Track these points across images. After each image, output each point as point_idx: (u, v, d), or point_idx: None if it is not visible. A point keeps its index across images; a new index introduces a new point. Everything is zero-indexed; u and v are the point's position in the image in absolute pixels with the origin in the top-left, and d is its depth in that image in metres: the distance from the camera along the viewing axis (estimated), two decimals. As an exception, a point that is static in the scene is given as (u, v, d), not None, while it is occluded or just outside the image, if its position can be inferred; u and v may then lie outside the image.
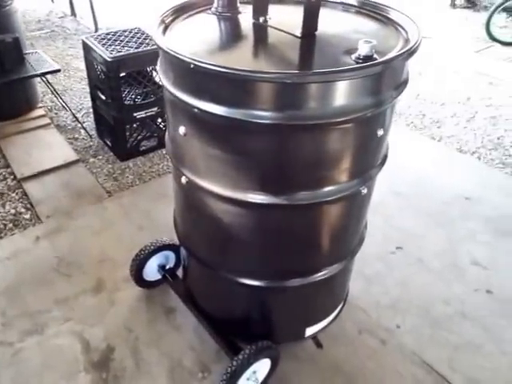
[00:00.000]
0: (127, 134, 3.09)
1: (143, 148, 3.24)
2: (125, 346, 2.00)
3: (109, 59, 2.76)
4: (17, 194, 2.85)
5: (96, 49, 2.88)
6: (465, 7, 6.59)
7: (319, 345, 1.99)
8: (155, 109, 3.06)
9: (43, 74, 3.17)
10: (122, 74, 2.93)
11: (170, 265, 2.19)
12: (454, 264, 2.43)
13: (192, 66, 1.18)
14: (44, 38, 5.23)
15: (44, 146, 3.26)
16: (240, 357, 1.63)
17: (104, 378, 1.88)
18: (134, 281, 2.15)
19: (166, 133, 1.61)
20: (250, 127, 1.25)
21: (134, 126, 3.13)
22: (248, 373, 1.68)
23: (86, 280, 2.29)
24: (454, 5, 6.58)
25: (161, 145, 3.23)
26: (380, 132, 1.38)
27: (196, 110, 1.28)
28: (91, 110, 3.45)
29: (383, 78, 1.26)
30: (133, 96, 3.10)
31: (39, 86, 3.79)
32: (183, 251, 1.89)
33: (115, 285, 2.26)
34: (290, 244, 1.55)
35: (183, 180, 1.53)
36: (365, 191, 1.51)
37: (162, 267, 2.15)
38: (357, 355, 1.97)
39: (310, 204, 1.41)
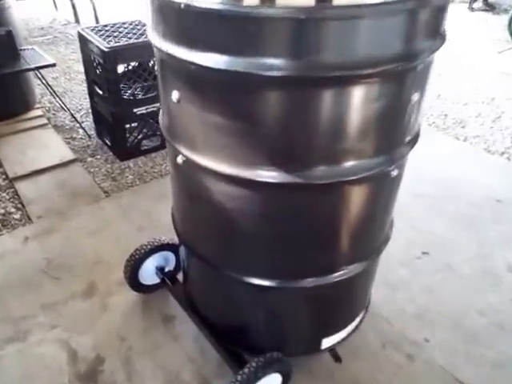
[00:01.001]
0: (127, 132, 2.96)
1: (145, 148, 3.10)
2: (116, 356, 1.83)
3: (105, 49, 2.62)
4: (7, 193, 2.74)
5: (93, 40, 2.75)
6: (483, 10, 6.51)
7: (337, 359, 1.79)
8: (157, 105, 2.89)
9: (37, 68, 3.06)
10: (122, 70, 2.80)
11: (170, 267, 2.03)
12: (486, 271, 2.23)
13: (182, 5, 1.01)
14: (47, 44, 5.20)
15: (40, 146, 3.16)
16: (245, 370, 1.47)
17: (91, 392, 1.72)
18: (128, 284, 1.99)
19: (160, 109, 1.42)
20: (256, 82, 1.03)
21: (134, 124, 2.99)
22: (255, 389, 1.49)
23: (76, 283, 2.14)
24: (472, 8, 6.51)
25: (164, 145, 3.07)
26: (415, 97, 1.16)
27: (191, 67, 1.08)
28: (90, 111, 3.34)
29: (416, 23, 1.04)
30: (133, 91, 2.94)
31: (38, 88, 3.72)
32: (183, 249, 1.70)
33: (108, 289, 2.11)
34: (303, 234, 1.32)
35: (179, 160, 1.33)
36: (395, 173, 1.29)
37: (160, 270, 1.99)
38: (381, 372, 1.79)
39: (329, 184, 1.18)
